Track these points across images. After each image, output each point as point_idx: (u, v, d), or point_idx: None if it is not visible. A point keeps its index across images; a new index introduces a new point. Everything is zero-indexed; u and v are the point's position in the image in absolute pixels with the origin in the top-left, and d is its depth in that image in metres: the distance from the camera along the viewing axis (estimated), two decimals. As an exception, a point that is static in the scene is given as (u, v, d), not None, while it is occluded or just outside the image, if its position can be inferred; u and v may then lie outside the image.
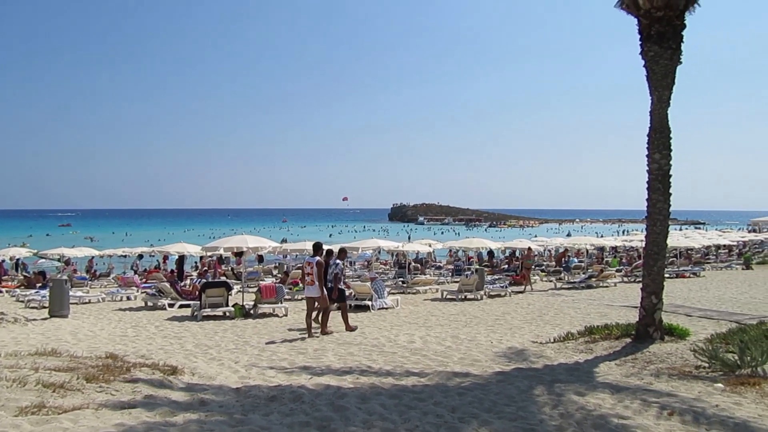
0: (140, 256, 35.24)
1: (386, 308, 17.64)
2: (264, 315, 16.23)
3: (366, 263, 34.23)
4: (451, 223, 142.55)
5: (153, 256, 35.59)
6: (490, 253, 34.48)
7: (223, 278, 23.85)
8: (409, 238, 60.38)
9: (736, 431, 5.42)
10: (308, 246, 24.29)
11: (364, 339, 12.00)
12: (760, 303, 17.18)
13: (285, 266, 30.83)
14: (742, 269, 33.75)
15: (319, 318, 12.95)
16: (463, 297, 20.33)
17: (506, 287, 22.10)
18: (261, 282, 21.59)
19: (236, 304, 16.57)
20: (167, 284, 19.62)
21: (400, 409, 6.37)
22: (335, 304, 13.49)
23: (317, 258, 12.55)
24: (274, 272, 30.41)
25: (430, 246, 32.00)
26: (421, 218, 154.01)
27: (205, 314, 15.76)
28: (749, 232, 56.25)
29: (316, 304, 12.86)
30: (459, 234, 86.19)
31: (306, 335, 12.43)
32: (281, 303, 16.78)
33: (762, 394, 6.47)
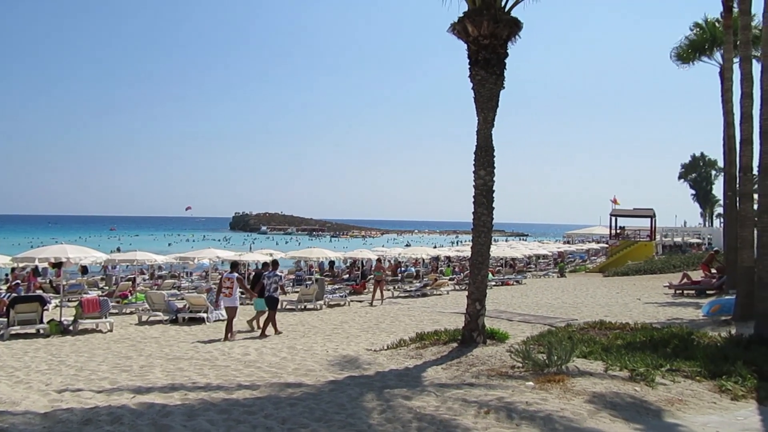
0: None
1: (222, 320, 17.05)
2: (86, 331, 14.96)
3: (204, 273, 32.94)
4: (294, 233, 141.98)
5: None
6: (331, 263, 34.80)
7: (39, 292, 21.61)
8: (250, 248, 59.16)
9: (541, 424, 5.96)
10: (139, 256, 23.02)
11: (196, 353, 11.52)
12: (570, 307, 19.08)
13: (113, 278, 28.67)
14: (558, 277, 37.29)
15: (255, 323, 14.94)
16: (302, 307, 20.29)
17: (346, 296, 22.42)
18: (83, 295, 19.88)
19: (52, 320, 15.08)
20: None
21: (229, 424, 6.20)
22: (273, 309, 14.69)
23: (235, 274, 14.64)
24: (101, 284, 28.17)
25: (271, 256, 31.53)
26: (263, 228, 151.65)
27: (13, 332, 14.14)
28: (564, 243, 62.32)
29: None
30: (300, 244, 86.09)
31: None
32: (106, 317, 15.57)
33: (565, 390, 7.18)
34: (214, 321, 16.84)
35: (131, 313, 18.68)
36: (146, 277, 33.06)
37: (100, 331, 15.03)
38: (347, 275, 32.62)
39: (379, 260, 26.26)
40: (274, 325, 14.46)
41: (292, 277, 31.83)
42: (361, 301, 22.70)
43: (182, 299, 18.92)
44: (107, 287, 26.25)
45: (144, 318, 17.41)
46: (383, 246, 50.86)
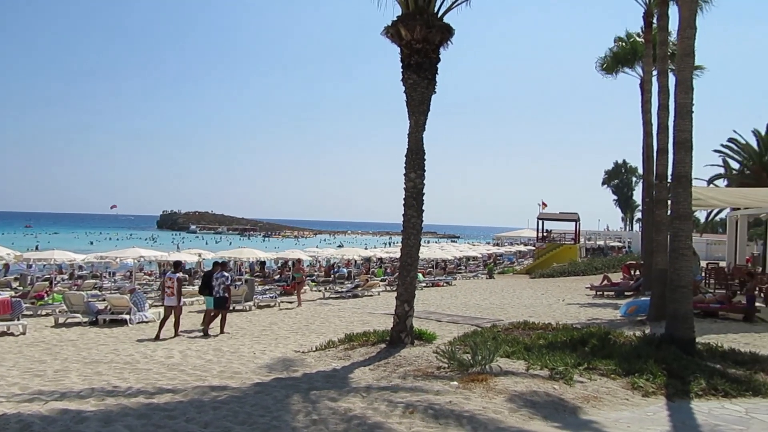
0: None
1: (146, 322, 16.52)
2: (-5, 334, 14.13)
3: (128, 274, 31.77)
4: (225, 233, 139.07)
5: None
6: (262, 263, 34.34)
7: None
8: (178, 247, 57.51)
9: (464, 423, 6.08)
10: (57, 255, 22.04)
11: (116, 356, 11.09)
12: (496, 308, 19.56)
13: (29, 278, 27.24)
14: (486, 278, 38.13)
15: (204, 323, 14.82)
16: (231, 308, 19.86)
17: (276, 297, 22.16)
18: (-5, 296, 18.75)
19: (-42, 322, 14.17)
20: None
21: (148, 429, 6.03)
22: (225, 308, 15.05)
23: (178, 274, 14.63)
24: (14, 284, 26.69)
25: (200, 256, 30.80)
26: (193, 227, 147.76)
27: None
28: (493, 245, 63.83)
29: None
30: (231, 243, 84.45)
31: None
32: (18, 320, 14.75)
33: (488, 389, 7.35)
34: (137, 323, 16.27)
35: (47, 314, 17.77)
36: (65, 277, 31.58)
37: (12, 334, 14.23)
38: (278, 276, 32.25)
39: (299, 261, 26.02)
40: (222, 325, 14.69)
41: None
42: (291, 302, 22.46)
43: (103, 300, 18.17)
44: (21, 287, 24.90)
45: (61, 320, 16.61)
46: (317, 247, 50.59)
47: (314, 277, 32.65)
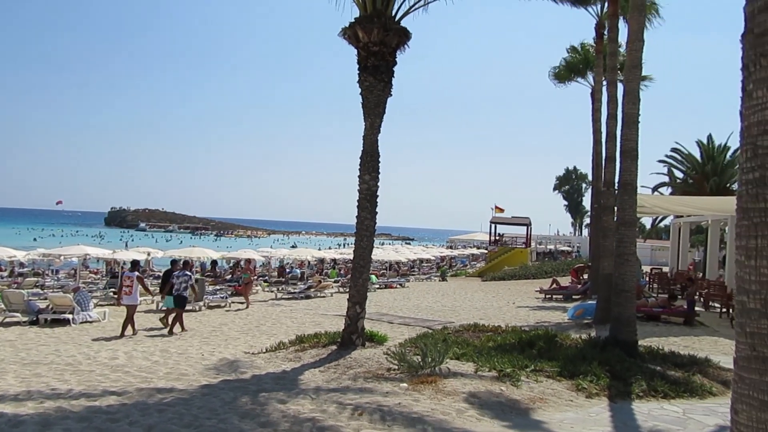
0: None
1: (90, 322, 16.01)
2: (-73, 333, 13.47)
3: (72, 272, 30.76)
4: (175, 231, 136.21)
5: None
6: (214, 262, 33.75)
7: None
8: (126, 245, 56.00)
9: (412, 424, 6.12)
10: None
11: (57, 357, 10.71)
12: (448, 310, 19.75)
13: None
14: (439, 281, 38.43)
15: (166, 321, 14.89)
16: (196, 308, 19.46)
17: (227, 298, 21.80)
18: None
19: None
20: None
21: (88, 433, 5.83)
22: (183, 308, 15.05)
23: (136, 272, 14.88)
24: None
25: (148, 254, 30.08)
26: (142, 224, 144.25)
27: None
28: (447, 248, 64.44)
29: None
30: (182, 242, 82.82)
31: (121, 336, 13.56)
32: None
33: (437, 390, 7.41)
34: (81, 323, 15.75)
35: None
36: (4, 274, 30.35)
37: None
38: (230, 276, 31.74)
39: (247, 261, 25.65)
40: (181, 324, 14.68)
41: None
42: (243, 303, 22.15)
43: (45, 299, 17.53)
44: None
45: (-1, 319, 15.95)
46: (270, 247, 50.04)
47: (267, 278, 32.26)
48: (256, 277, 29.46)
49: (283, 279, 30.90)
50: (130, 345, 12.34)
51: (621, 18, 18.08)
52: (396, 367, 8.53)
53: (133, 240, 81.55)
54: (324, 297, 25.30)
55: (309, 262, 36.72)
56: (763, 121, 3.00)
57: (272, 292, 27.03)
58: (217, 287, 25.42)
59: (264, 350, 11.05)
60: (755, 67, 3.04)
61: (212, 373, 9.17)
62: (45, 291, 22.10)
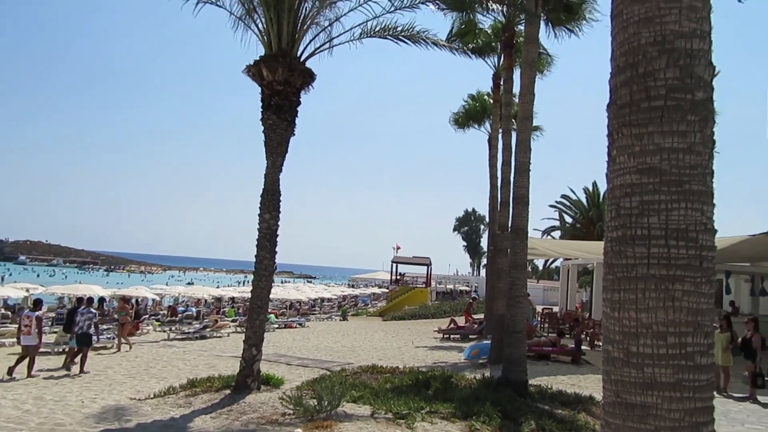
0: None
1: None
2: None
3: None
4: (60, 265, 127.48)
5: None
6: (101, 300, 31.80)
7: None
8: (2, 279, 51.81)
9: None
10: None
11: None
12: (348, 351, 19.64)
13: None
14: (340, 320, 38.23)
15: (69, 361, 14.79)
16: (61, 350, 18.12)
17: (114, 338, 20.55)
18: None
19: None
20: None
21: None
22: (89, 346, 14.98)
23: (37, 312, 14.52)
24: None
25: (27, 291, 27.95)
26: (22, 257, 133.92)
27: None
28: (349, 287, 64.44)
29: None
30: (67, 277, 77.60)
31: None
32: None
33: (332, 435, 7.32)
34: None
35: None
36: None
37: None
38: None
39: (122, 299, 24.43)
40: (82, 363, 14.45)
41: (52, 315, 28.37)
42: (132, 344, 20.97)
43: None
44: None
45: None
46: (166, 284, 47.84)
47: (159, 317, 30.78)
48: (148, 316, 28.05)
49: (176, 318, 29.57)
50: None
51: (516, 70, 19.21)
52: (291, 411, 8.36)
53: (11, 274, 75.40)
54: (220, 337, 24.48)
55: (206, 301, 35.53)
56: (625, 185, 3.30)
57: (164, 332, 25.81)
58: (104, 327, 23.93)
59: (152, 395, 10.48)
60: (618, 135, 3.36)
61: (92, 421, 8.57)
62: None
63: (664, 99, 3.22)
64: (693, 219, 3.17)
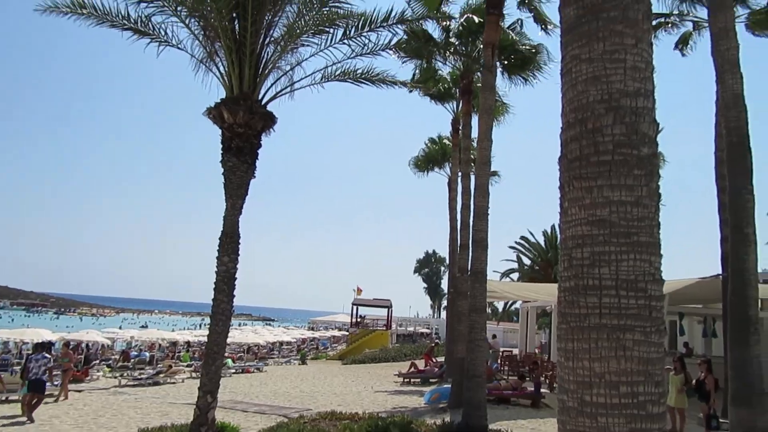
0: None
1: None
2: None
3: None
4: (7, 308, 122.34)
5: None
6: (50, 344, 30.58)
7: None
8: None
9: None
10: None
11: None
12: (306, 396, 19.24)
13: None
14: (299, 364, 37.53)
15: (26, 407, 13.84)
16: (5, 398, 17.27)
17: (61, 386, 19.69)
18: None
19: None
20: None
21: None
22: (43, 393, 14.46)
23: None
24: None
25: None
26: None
27: None
28: (308, 329, 63.56)
29: None
30: (14, 320, 74.48)
31: None
32: None
33: (288, 488, 7.11)
34: None
35: None
36: None
37: None
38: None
39: (65, 344, 23.58)
40: (31, 409, 13.82)
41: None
42: (80, 391, 20.14)
43: None
44: None
45: None
46: (119, 327, 46.30)
47: (110, 362, 29.73)
48: (99, 361, 27.07)
49: (128, 363, 28.63)
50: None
51: (474, 116, 19.68)
52: (246, 462, 8.11)
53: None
54: (174, 383, 23.74)
55: (160, 345, 34.56)
56: (576, 236, 3.40)
57: (116, 377, 24.89)
58: (54, 373, 22.95)
59: (99, 447, 10.04)
60: (569, 187, 3.47)
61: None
62: None
63: (611, 154, 3.35)
64: (642, 270, 3.27)
